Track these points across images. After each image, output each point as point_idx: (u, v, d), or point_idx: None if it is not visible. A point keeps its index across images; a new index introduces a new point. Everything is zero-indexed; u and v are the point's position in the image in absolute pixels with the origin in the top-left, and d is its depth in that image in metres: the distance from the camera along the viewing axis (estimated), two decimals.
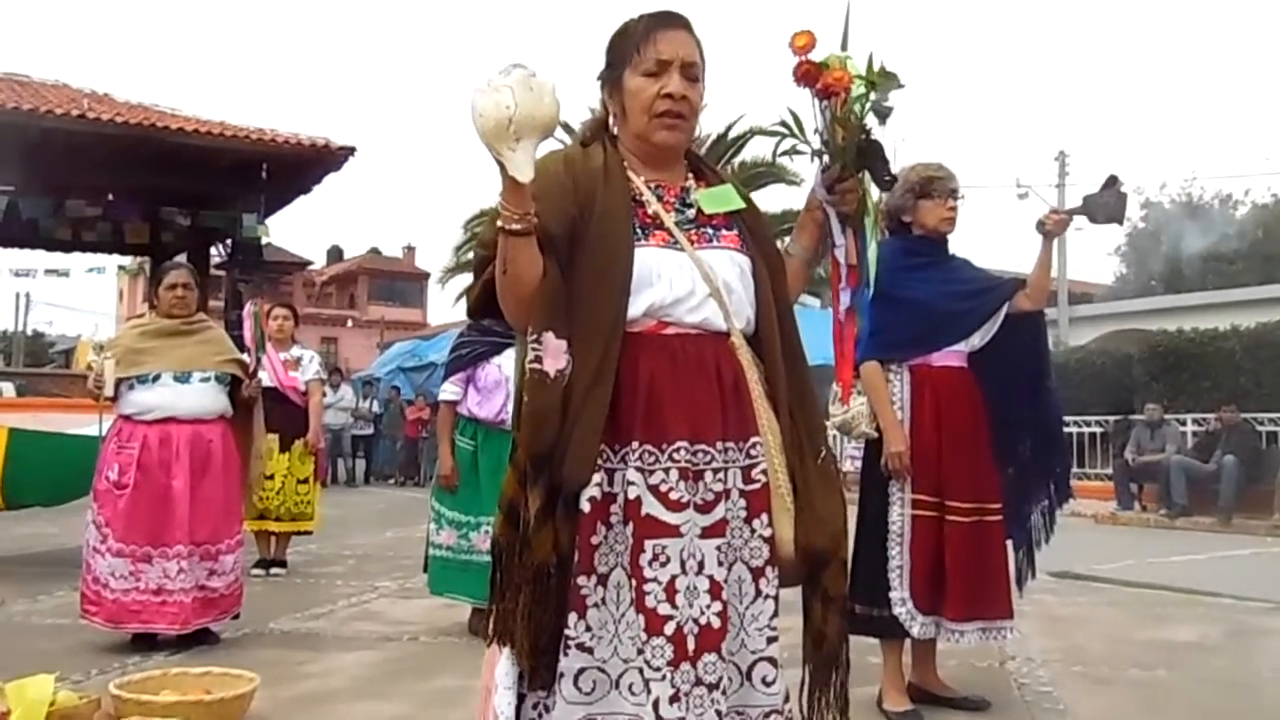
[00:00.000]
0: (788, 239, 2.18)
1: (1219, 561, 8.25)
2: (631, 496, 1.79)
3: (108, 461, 4.45)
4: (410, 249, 51.79)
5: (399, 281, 49.33)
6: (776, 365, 1.93)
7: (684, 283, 1.88)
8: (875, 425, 3.55)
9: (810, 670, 1.94)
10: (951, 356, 3.61)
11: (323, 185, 16.49)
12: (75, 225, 16.03)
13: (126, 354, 4.52)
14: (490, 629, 1.85)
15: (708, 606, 1.78)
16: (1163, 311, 20.36)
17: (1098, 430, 14.17)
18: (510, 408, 4.66)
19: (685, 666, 1.74)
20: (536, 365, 1.78)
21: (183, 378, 4.50)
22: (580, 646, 1.76)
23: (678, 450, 1.81)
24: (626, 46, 1.97)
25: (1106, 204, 3.63)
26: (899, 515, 3.53)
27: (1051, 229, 3.62)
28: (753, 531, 1.86)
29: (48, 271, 16.77)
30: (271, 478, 6.33)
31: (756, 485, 1.87)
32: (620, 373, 1.81)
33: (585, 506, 1.77)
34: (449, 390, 4.82)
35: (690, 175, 2.06)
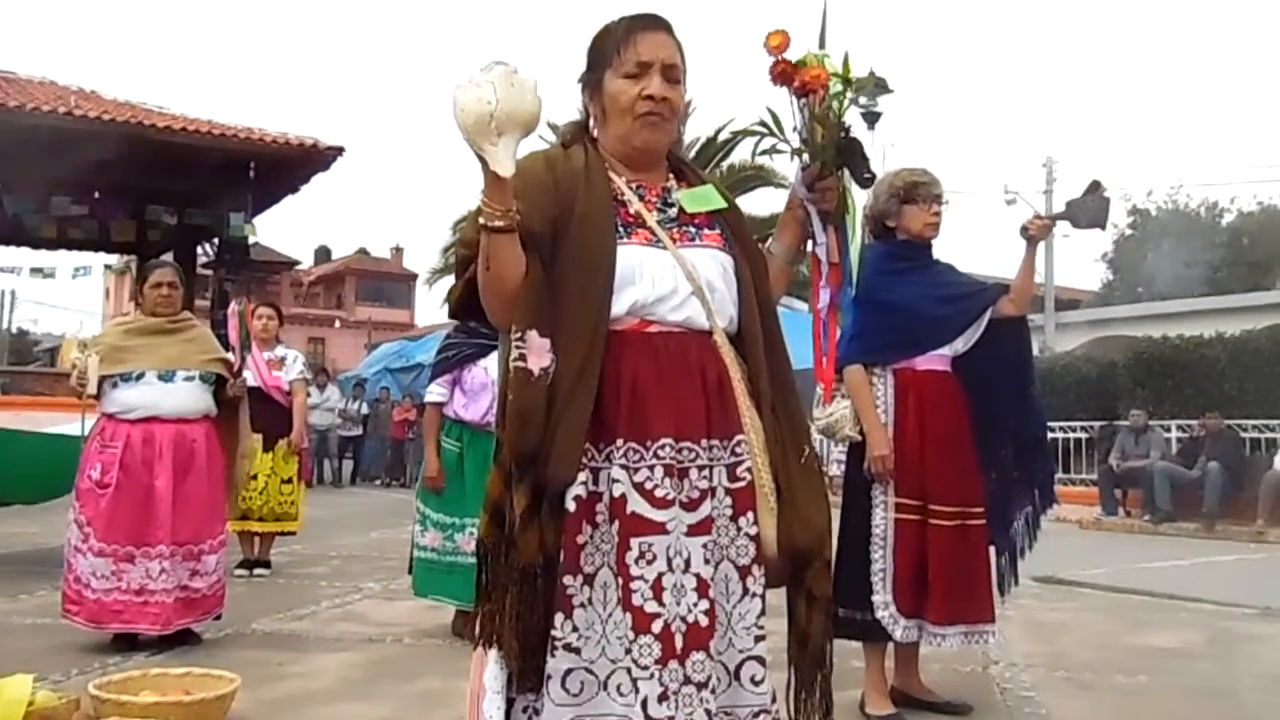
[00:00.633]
0: (770, 239, 2.19)
1: (1202, 567, 8.30)
2: (617, 494, 1.79)
3: (90, 460, 4.43)
4: (398, 250, 51.72)
5: (386, 282, 49.24)
6: (759, 364, 1.94)
7: (667, 281, 1.89)
8: (859, 428, 3.55)
9: (796, 671, 1.94)
10: (935, 361, 3.62)
11: (311, 185, 16.45)
12: (61, 223, 15.96)
13: (110, 352, 4.49)
14: (477, 631, 1.84)
15: (695, 604, 1.77)
16: (1148, 318, 20.42)
17: (1083, 436, 14.24)
18: (496, 410, 4.68)
19: (673, 665, 1.73)
20: (521, 363, 1.78)
21: (167, 376, 4.48)
22: (567, 647, 1.75)
23: (662, 447, 1.81)
24: (607, 48, 1.97)
25: (1089, 209, 3.65)
26: (882, 519, 3.53)
27: (1035, 234, 3.64)
28: (739, 530, 1.86)
29: (33, 271, 16.69)
30: (255, 478, 6.32)
31: (742, 483, 1.87)
32: (604, 371, 1.81)
33: (570, 506, 1.77)
34: (435, 392, 4.81)
35: (671, 176, 2.06)
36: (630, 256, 1.88)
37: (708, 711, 1.75)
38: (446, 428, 4.81)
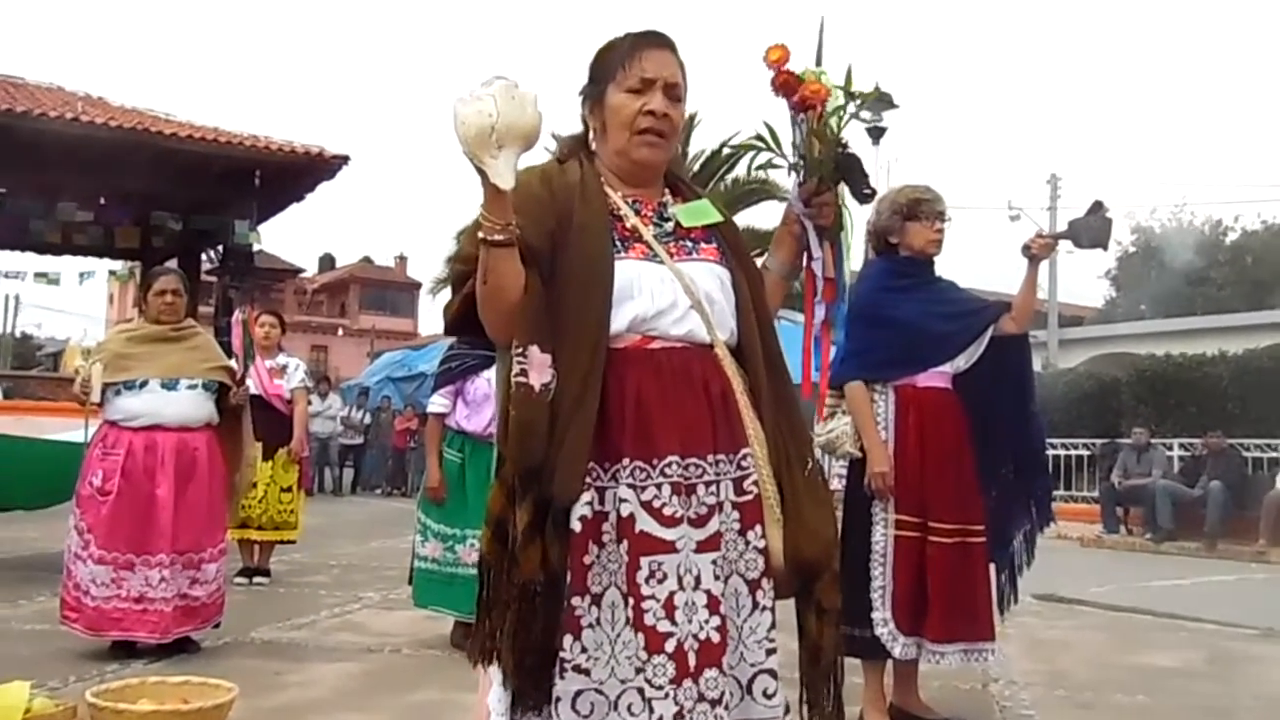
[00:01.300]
0: (766, 254, 2.20)
1: (1203, 586, 8.28)
2: (624, 514, 1.78)
3: (92, 467, 4.43)
4: (402, 258, 51.84)
5: (390, 291, 49.32)
6: (760, 377, 1.94)
7: (666, 295, 1.89)
8: (859, 445, 3.56)
9: (808, 684, 1.94)
10: (936, 377, 3.62)
11: (316, 193, 16.49)
12: (66, 228, 16.01)
13: (114, 359, 4.50)
14: (477, 648, 1.83)
15: (706, 621, 1.76)
16: (1151, 335, 20.43)
17: (1084, 453, 14.22)
18: (498, 425, 4.68)
19: (688, 683, 1.73)
20: (522, 379, 1.77)
21: (170, 384, 4.49)
22: (576, 668, 1.75)
23: (669, 465, 1.80)
24: (611, 63, 1.97)
25: (1091, 228, 3.66)
26: (882, 535, 3.53)
27: (1037, 253, 3.64)
28: (747, 544, 1.85)
29: (38, 276, 16.73)
30: (255, 486, 6.30)
31: (749, 497, 1.86)
32: (607, 390, 1.81)
33: (576, 526, 1.76)
34: (437, 403, 4.81)
35: (667, 191, 2.06)
36: (628, 271, 1.88)
37: None
38: (448, 438, 4.81)
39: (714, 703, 1.74)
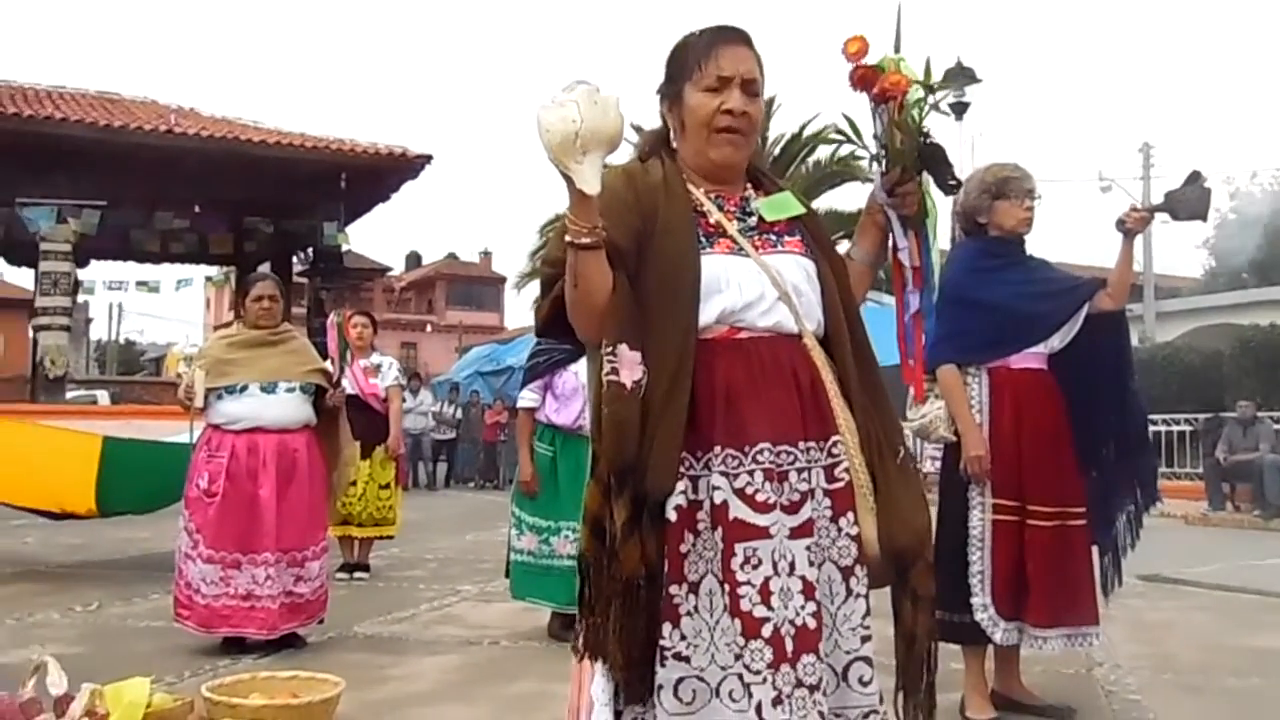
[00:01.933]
0: (850, 244, 2.19)
1: None
2: (718, 501, 1.79)
3: (198, 470, 4.58)
4: (487, 254, 52.37)
5: (476, 286, 49.86)
6: (848, 366, 1.93)
7: (753, 287, 1.89)
8: (953, 429, 3.51)
9: (902, 672, 1.94)
10: (1031, 359, 3.55)
11: (400, 193, 16.76)
12: (164, 236, 16.53)
13: (215, 365, 4.64)
14: (581, 644, 1.86)
15: (802, 607, 1.77)
16: (1254, 305, 19.72)
17: (1187, 429, 13.82)
18: (588, 414, 4.71)
19: (785, 668, 1.73)
20: (614, 377, 1.79)
21: (269, 388, 4.61)
22: (677, 656, 1.76)
23: (761, 452, 1.81)
24: (688, 61, 1.97)
25: (1189, 200, 3.55)
26: (979, 520, 3.48)
27: (1132, 227, 3.54)
28: (840, 530, 1.86)
29: (139, 284, 17.30)
30: (354, 484, 6.44)
31: (840, 484, 1.86)
32: (697, 380, 1.82)
33: (671, 515, 1.78)
34: (527, 397, 4.87)
35: (749, 185, 2.06)
36: (715, 266, 1.88)
37: (820, 714, 1.75)
38: (539, 432, 4.86)
39: (812, 688, 1.75)
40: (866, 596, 1.86)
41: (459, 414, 18.40)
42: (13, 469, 6.59)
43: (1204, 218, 3.60)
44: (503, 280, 46.33)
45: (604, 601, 1.80)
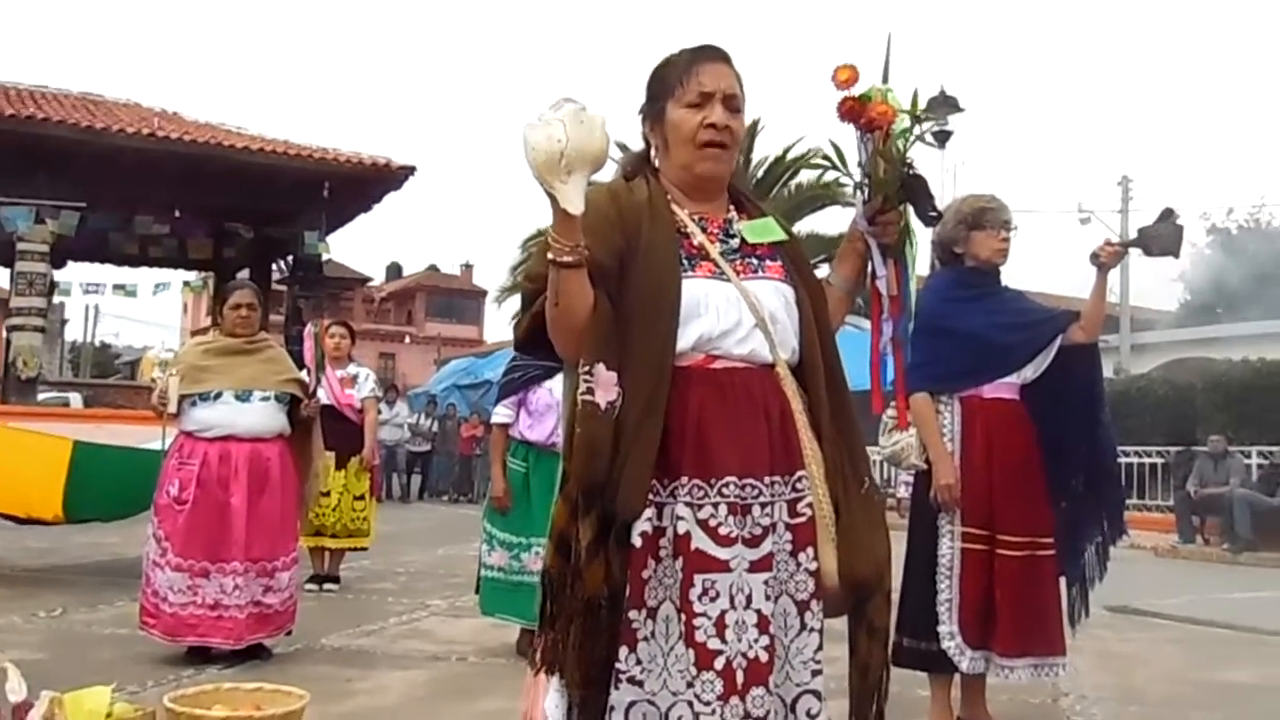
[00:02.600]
0: (830, 270, 2.20)
1: None
2: (681, 531, 1.80)
3: (169, 477, 4.55)
4: (468, 266, 52.32)
5: (456, 299, 49.78)
6: (820, 395, 1.94)
7: (731, 314, 1.90)
8: (925, 456, 3.53)
9: (855, 700, 1.96)
10: (1003, 388, 3.58)
11: (383, 203, 16.73)
12: (143, 240, 16.44)
13: (190, 371, 4.62)
14: (539, 658, 1.86)
15: (755, 641, 1.78)
16: (1227, 340, 19.91)
17: (1159, 461, 13.91)
18: (561, 431, 4.72)
19: (734, 701, 1.75)
20: (588, 397, 1.80)
21: (243, 396, 4.59)
22: (631, 680, 1.77)
23: (726, 485, 1.82)
24: (669, 79, 1.99)
25: (1161, 236, 3.60)
26: (949, 548, 3.49)
27: (1105, 261, 3.58)
28: (799, 565, 1.86)
29: (116, 288, 17.19)
30: (328, 494, 6.41)
31: (802, 519, 1.87)
32: (670, 408, 1.83)
33: (636, 541, 1.79)
34: (501, 413, 4.86)
35: (732, 207, 2.07)
36: (695, 289, 1.89)
37: None
38: (512, 448, 4.85)
39: None
40: (820, 631, 1.87)
41: (435, 427, 18.35)
42: None
43: (1176, 254, 3.64)
44: (483, 293, 46.27)
45: (565, 618, 1.81)
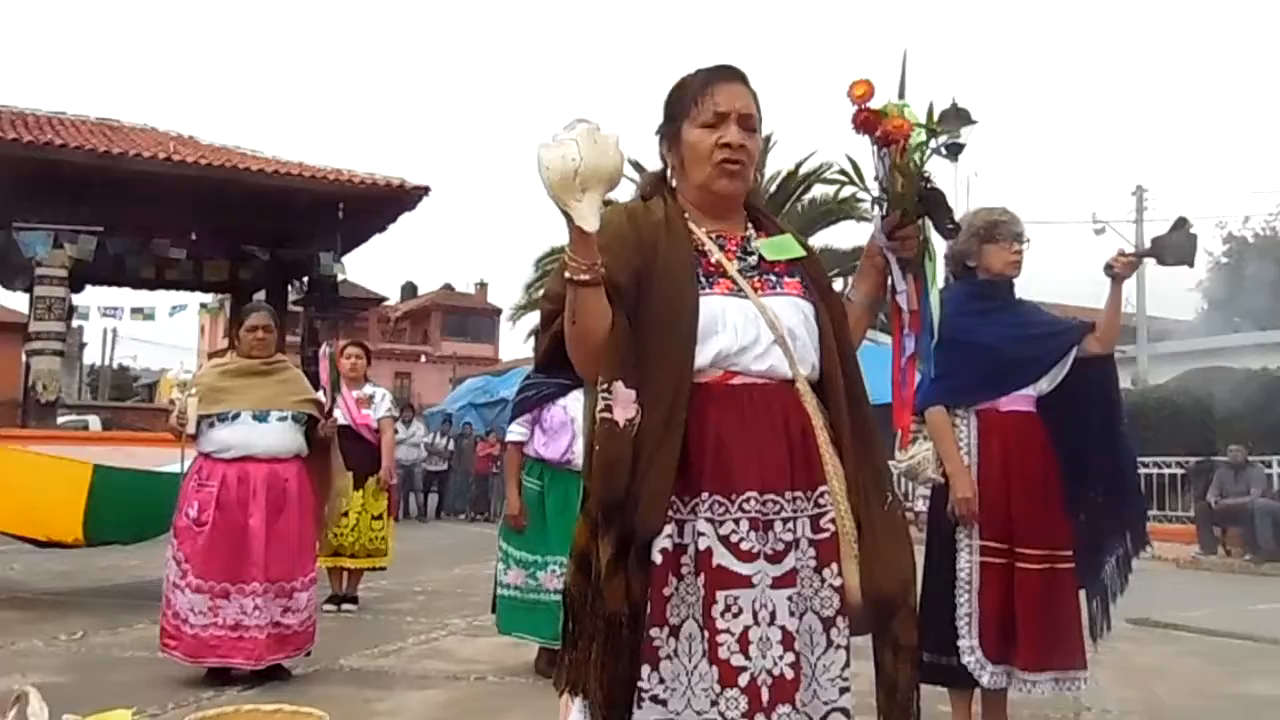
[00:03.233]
0: (850, 285, 2.20)
1: None
2: (702, 548, 1.80)
3: (188, 498, 4.57)
4: (483, 285, 52.45)
5: (471, 317, 49.88)
6: (841, 411, 1.94)
7: (749, 330, 1.90)
8: (942, 470, 3.51)
9: (884, 718, 1.93)
10: (1019, 401, 3.57)
11: (397, 223, 16.80)
12: (160, 263, 16.53)
13: (208, 392, 4.64)
14: (563, 678, 1.86)
15: (780, 657, 1.77)
16: (1246, 349, 19.79)
17: (1178, 472, 13.82)
18: (576, 449, 4.72)
19: (760, 718, 1.74)
20: (607, 414, 1.80)
21: (261, 417, 4.61)
22: (654, 699, 1.77)
23: (747, 501, 1.82)
24: (685, 99, 2.01)
25: (1176, 246, 3.58)
26: (967, 562, 3.48)
27: (1120, 272, 3.57)
28: (823, 581, 1.86)
29: (133, 311, 17.29)
30: (346, 514, 6.42)
31: (825, 534, 1.87)
32: (689, 424, 1.83)
33: (657, 558, 1.78)
34: (515, 431, 4.87)
35: (749, 225, 2.08)
36: (713, 306, 1.90)
37: None
38: (527, 466, 4.86)
39: None
40: (847, 648, 1.86)
41: (451, 445, 18.37)
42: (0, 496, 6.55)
43: (1190, 264, 3.63)
44: (498, 312, 46.34)
45: (587, 638, 1.81)
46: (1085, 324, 3.70)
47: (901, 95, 2.06)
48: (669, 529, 1.80)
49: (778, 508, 1.84)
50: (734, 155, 1.96)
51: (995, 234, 3.59)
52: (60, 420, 15.88)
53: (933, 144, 2.06)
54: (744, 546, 1.80)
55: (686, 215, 2.00)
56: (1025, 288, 3.77)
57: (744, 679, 1.74)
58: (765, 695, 1.75)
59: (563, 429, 4.72)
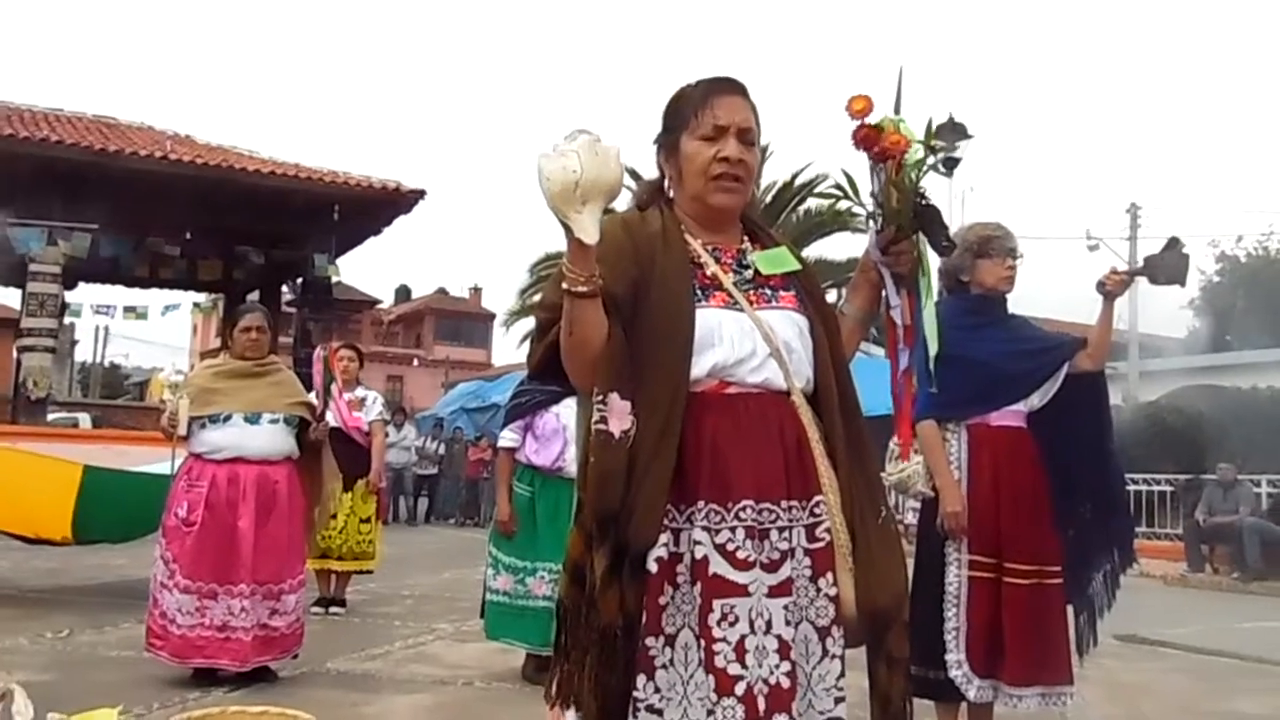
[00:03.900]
0: (843, 300, 2.21)
1: None
2: (698, 556, 1.80)
3: (177, 499, 4.56)
4: (476, 290, 52.42)
5: (465, 322, 49.87)
6: (835, 424, 1.94)
7: (745, 343, 1.91)
8: (932, 484, 3.52)
9: None
10: (1010, 416, 3.58)
11: (392, 226, 16.78)
12: (153, 262, 16.50)
13: (200, 393, 4.64)
14: (555, 690, 1.85)
15: (777, 666, 1.77)
16: (1237, 367, 19.87)
17: (1167, 489, 13.85)
18: (568, 456, 4.73)
19: None
20: (602, 426, 1.80)
21: (252, 419, 4.61)
22: (650, 708, 1.76)
23: (743, 509, 1.82)
24: (684, 111, 2.00)
25: (1168, 265, 3.60)
26: (956, 576, 3.49)
27: (1111, 289, 3.59)
28: (818, 590, 1.86)
29: (126, 309, 17.25)
30: (334, 517, 6.41)
31: (821, 544, 1.87)
32: (684, 433, 1.83)
33: (652, 567, 1.78)
34: (507, 437, 4.87)
35: (745, 238, 2.08)
36: (709, 319, 1.90)
37: None
38: (518, 473, 4.85)
39: None
40: (842, 657, 1.86)
41: (442, 450, 18.35)
42: None
43: (1182, 283, 3.64)
44: (492, 317, 46.35)
45: (580, 649, 1.80)
46: (1077, 340, 3.71)
47: (897, 110, 2.07)
48: (664, 538, 1.79)
49: (774, 516, 1.84)
50: (732, 170, 1.97)
51: (989, 249, 3.61)
52: (50, 417, 15.82)
53: (929, 160, 2.07)
54: (740, 555, 1.80)
55: (682, 227, 2.00)
56: (1018, 303, 3.79)
57: (741, 688, 1.75)
58: (762, 704, 1.75)
59: (555, 436, 4.72)
